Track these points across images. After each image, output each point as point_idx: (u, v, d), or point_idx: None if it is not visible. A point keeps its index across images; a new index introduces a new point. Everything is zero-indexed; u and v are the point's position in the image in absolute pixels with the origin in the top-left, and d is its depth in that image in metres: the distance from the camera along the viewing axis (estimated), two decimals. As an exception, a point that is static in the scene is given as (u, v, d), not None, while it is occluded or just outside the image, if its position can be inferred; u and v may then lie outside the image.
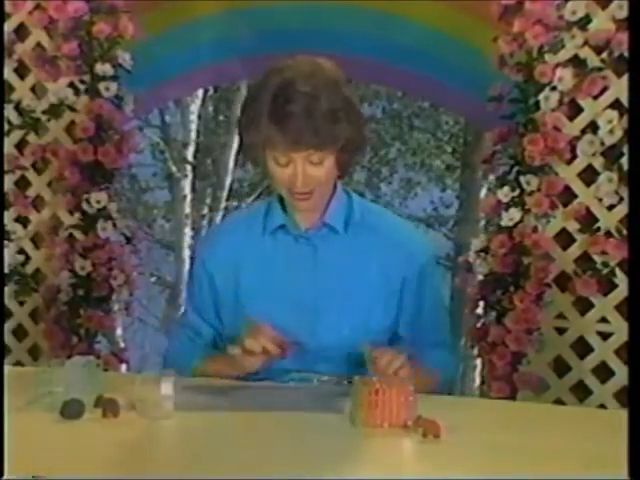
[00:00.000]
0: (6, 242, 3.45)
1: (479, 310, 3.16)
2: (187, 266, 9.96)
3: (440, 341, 2.12)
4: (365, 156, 10.62)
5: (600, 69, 2.98)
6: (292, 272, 2.06)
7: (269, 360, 1.97)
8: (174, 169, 10.61)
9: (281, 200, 2.09)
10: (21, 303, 3.50)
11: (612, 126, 2.95)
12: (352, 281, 2.05)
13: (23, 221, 3.49)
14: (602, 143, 2.98)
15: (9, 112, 3.44)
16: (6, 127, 3.43)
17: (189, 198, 10.54)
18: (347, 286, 2.05)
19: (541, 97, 3.01)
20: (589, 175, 3.03)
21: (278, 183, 1.99)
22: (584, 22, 2.99)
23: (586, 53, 2.99)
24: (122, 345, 3.70)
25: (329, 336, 2.03)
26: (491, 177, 3.29)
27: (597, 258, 3.00)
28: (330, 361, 2.02)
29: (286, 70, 1.95)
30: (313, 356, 2.02)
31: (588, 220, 3.03)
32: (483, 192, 8.71)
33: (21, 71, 3.47)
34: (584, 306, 3.06)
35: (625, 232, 2.94)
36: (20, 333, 3.52)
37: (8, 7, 3.41)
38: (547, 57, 3.01)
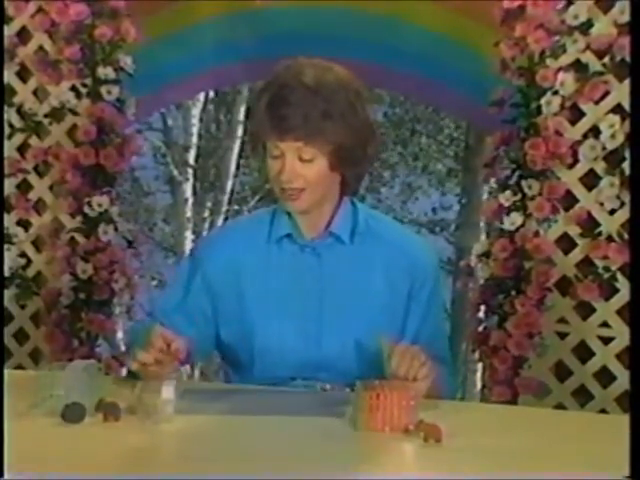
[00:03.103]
0: (7, 245, 3.45)
1: (480, 314, 3.16)
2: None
3: (440, 355, 2.09)
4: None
5: (602, 73, 2.98)
6: (297, 281, 2.04)
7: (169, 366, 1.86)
8: (175, 173, 10.63)
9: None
10: (22, 306, 3.50)
11: (614, 131, 2.95)
12: (358, 291, 2.03)
13: (24, 224, 3.49)
14: (604, 147, 2.98)
15: (11, 115, 3.44)
16: (8, 130, 3.44)
17: (190, 202, 10.56)
18: (353, 296, 2.03)
19: (543, 101, 3.01)
20: (591, 179, 3.03)
21: (271, 179, 1.99)
22: (586, 26, 2.99)
23: (588, 57, 3.00)
24: (123, 349, 3.70)
25: (334, 345, 2.01)
26: (492, 181, 3.29)
27: (598, 262, 3.00)
28: (334, 370, 2.01)
29: (298, 65, 1.98)
30: (317, 365, 2.01)
31: (589, 224, 3.03)
32: (484, 196, 8.72)
33: (23, 74, 3.47)
34: (585, 310, 3.06)
35: (626, 236, 2.94)
36: (21, 337, 3.52)
37: (10, 10, 3.42)
38: (549, 61, 3.02)
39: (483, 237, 8.28)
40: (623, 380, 2.97)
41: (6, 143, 3.43)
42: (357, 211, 2.09)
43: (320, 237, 2.06)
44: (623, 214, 2.96)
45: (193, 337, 2.04)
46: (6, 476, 1.40)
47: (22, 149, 3.47)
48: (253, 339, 2.05)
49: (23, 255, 3.49)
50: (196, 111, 10.37)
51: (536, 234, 3.05)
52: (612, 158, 2.99)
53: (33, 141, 3.45)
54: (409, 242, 2.12)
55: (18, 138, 3.46)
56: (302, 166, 1.94)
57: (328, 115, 1.92)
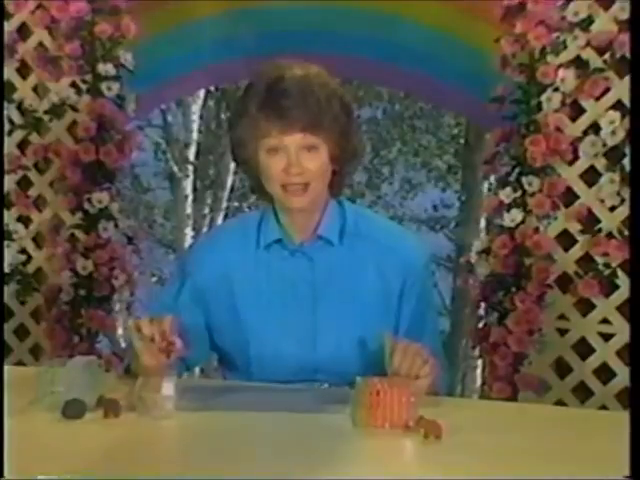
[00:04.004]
0: (8, 242, 3.45)
1: (481, 311, 3.16)
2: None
3: (431, 349, 2.08)
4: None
5: (602, 70, 2.98)
6: (289, 286, 2.03)
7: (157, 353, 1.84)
8: (175, 169, 10.63)
9: (274, 214, 2.06)
10: (22, 303, 3.50)
11: (614, 127, 2.95)
12: (351, 291, 2.02)
13: (25, 221, 3.49)
14: (604, 144, 2.98)
15: (11, 112, 3.44)
16: (8, 127, 3.44)
17: (190, 198, 10.56)
18: (346, 297, 2.02)
19: (543, 98, 3.01)
20: (591, 176, 3.03)
21: (271, 179, 1.95)
22: (586, 23, 2.99)
23: (588, 54, 3.00)
24: (123, 345, 3.70)
25: (329, 347, 2.01)
26: (492, 178, 3.29)
27: (599, 259, 3.01)
28: (330, 372, 2.00)
29: (280, 65, 1.96)
30: (313, 368, 2.01)
31: (590, 221, 3.03)
32: (485, 193, 8.72)
33: (23, 71, 3.47)
34: (586, 307, 3.06)
35: (627, 233, 2.94)
36: (22, 333, 3.52)
37: (10, 7, 3.42)
38: (549, 58, 3.02)
39: (483, 234, 8.29)
40: (623, 376, 2.97)
41: (6, 139, 3.43)
42: (345, 211, 2.07)
43: (309, 240, 2.05)
44: (623, 210, 2.96)
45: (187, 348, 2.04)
46: (6, 474, 1.40)
47: (22, 145, 3.47)
48: (248, 346, 2.04)
49: (23, 251, 3.49)
50: (196, 108, 10.37)
51: (536, 231, 3.05)
52: (612, 155, 2.99)
53: (33, 137, 3.45)
54: (399, 239, 2.10)
55: (18, 134, 3.46)
56: (307, 157, 1.93)
57: (327, 100, 1.92)
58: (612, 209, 3.00)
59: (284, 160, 1.93)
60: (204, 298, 2.07)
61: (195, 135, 10.56)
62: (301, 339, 2.01)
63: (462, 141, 11.00)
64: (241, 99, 1.98)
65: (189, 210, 10.49)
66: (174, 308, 2.03)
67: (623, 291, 2.98)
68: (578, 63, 3.01)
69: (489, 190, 8.32)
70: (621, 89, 2.96)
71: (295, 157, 1.92)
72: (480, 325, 3.15)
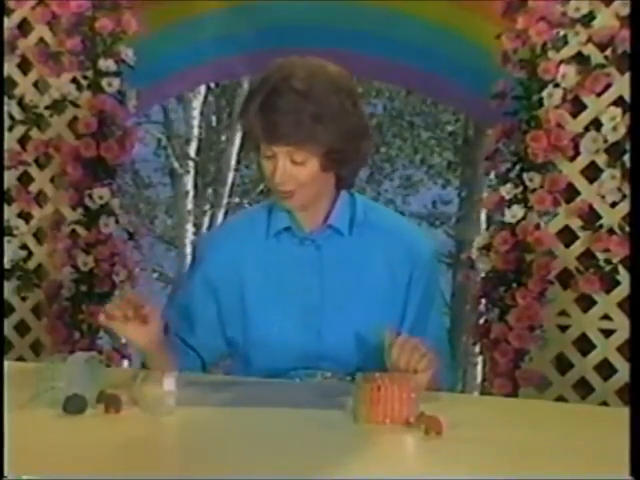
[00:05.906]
0: (9, 237, 3.45)
1: (481, 307, 3.16)
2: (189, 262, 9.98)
3: (436, 346, 2.08)
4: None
5: (603, 66, 2.98)
6: (297, 273, 2.04)
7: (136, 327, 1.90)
8: (176, 165, 10.63)
9: None
10: (23, 299, 3.50)
11: (615, 123, 2.95)
12: (358, 281, 2.04)
13: (25, 217, 3.49)
14: (605, 140, 2.98)
15: (12, 107, 3.44)
16: (9, 122, 3.44)
17: (191, 194, 10.56)
18: (353, 287, 2.04)
19: (544, 94, 3.01)
20: (592, 172, 3.03)
21: (265, 178, 2.00)
22: (588, 19, 2.99)
23: (590, 50, 3.00)
24: (124, 341, 3.70)
25: (335, 336, 2.02)
26: (493, 174, 3.29)
27: (600, 255, 3.00)
28: (335, 361, 2.01)
29: (289, 67, 1.95)
30: (319, 356, 2.02)
31: (591, 217, 3.03)
32: (485, 189, 8.71)
33: (24, 67, 3.47)
34: (586, 303, 3.06)
35: (628, 229, 2.94)
36: (22, 328, 3.52)
37: (11, 3, 3.42)
38: (550, 54, 3.02)
39: (484, 230, 8.28)
40: (624, 373, 2.97)
41: (7, 135, 3.43)
42: (355, 202, 2.09)
43: (319, 230, 2.06)
44: (624, 207, 2.96)
45: (200, 339, 2.08)
46: (6, 469, 1.39)
47: (23, 141, 3.47)
48: (255, 332, 2.06)
49: (24, 247, 3.49)
50: (197, 104, 10.37)
51: (537, 227, 3.05)
52: (613, 150, 2.99)
53: (34, 133, 3.45)
54: (408, 232, 2.12)
55: (19, 130, 3.46)
56: (294, 168, 1.94)
57: (319, 119, 1.90)
58: (613, 205, 3.00)
59: (273, 164, 1.95)
60: (214, 288, 2.09)
61: (196, 131, 10.57)
62: (307, 327, 2.02)
63: (461, 138, 11.01)
64: (249, 94, 1.99)
65: (190, 206, 10.50)
66: (189, 306, 2.09)
67: (624, 287, 2.98)
68: (579, 59, 3.01)
69: (489, 186, 8.33)
70: (622, 85, 2.96)
71: (281, 166, 1.93)
72: (481, 321, 3.15)
